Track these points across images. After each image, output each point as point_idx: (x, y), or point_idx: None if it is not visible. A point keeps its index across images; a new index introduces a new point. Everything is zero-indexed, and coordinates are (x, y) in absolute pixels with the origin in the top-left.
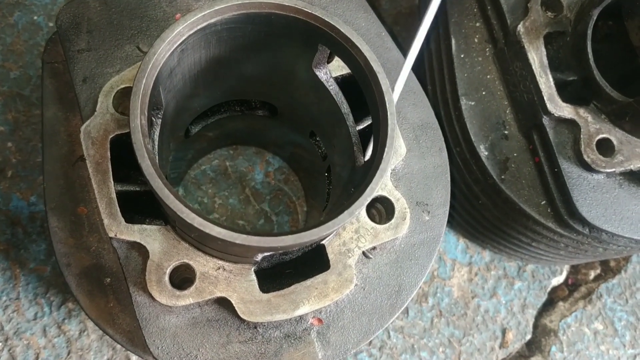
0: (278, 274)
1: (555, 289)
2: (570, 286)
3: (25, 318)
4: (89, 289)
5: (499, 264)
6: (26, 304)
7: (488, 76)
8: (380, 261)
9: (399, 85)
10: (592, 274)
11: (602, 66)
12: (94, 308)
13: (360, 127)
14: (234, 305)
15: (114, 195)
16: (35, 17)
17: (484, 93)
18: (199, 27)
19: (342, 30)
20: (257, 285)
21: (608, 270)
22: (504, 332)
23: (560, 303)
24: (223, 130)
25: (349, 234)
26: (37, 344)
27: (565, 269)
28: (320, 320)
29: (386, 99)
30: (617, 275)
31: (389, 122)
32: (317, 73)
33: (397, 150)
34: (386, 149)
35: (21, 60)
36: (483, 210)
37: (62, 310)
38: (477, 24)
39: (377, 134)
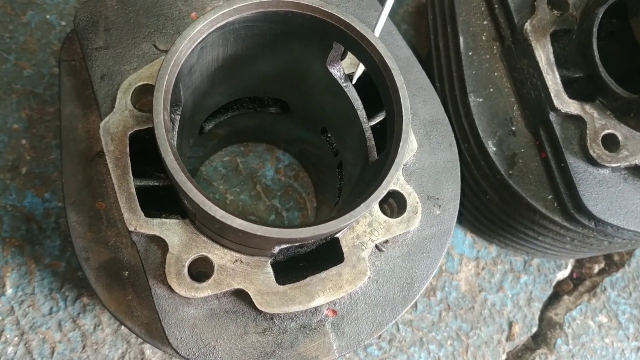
0: (293, 267)
1: (560, 283)
2: (575, 280)
3: (40, 313)
4: (108, 282)
5: (505, 258)
6: (41, 299)
7: (496, 73)
8: (392, 254)
9: (379, 26)
10: (597, 268)
11: (607, 63)
12: (113, 301)
13: (372, 123)
14: (251, 296)
15: (133, 190)
16: (48, 16)
17: (491, 90)
18: (218, 25)
19: (357, 28)
20: (273, 278)
21: (612, 264)
22: (510, 325)
23: (566, 297)
24: (234, 128)
25: (363, 227)
26: (53, 338)
27: (570, 263)
28: (334, 312)
29: (401, 94)
30: (621, 269)
31: (404, 117)
32: (331, 70)
33: (409, 145)
34: (401, 143)
35: (34, 58)
36: (491, 205)
37: (77, 305)
38: (485, 22)
39: (392, 129)
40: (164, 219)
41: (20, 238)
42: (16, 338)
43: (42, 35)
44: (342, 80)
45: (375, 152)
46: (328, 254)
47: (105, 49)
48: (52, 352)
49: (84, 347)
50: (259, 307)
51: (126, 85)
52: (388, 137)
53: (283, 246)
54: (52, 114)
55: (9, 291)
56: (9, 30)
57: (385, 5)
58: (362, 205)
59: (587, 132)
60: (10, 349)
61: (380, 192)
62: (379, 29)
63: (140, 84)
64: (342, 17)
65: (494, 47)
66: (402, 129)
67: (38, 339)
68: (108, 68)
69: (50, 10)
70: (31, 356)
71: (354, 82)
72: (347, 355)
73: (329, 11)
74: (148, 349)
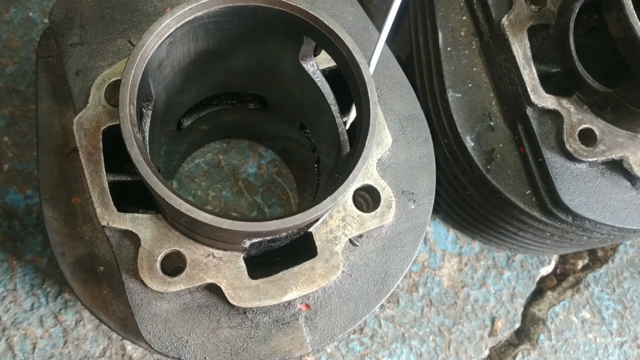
0: (268, 262)
1: (544, 279)
2: (559, 276)
3: (22, 309)
4: (83, 277)
5: (488, 254)
6: (23, 295)
7: (474, 69)
8: (367, 248)
9: (374, 58)
10: (580, 264)
11: (588, 59)
12: (88, 296)
13: (346, 118)
14: (224, 291)
15: (106, 185)
16: (31, 14)
17: (470, 85)
18: (186, 20)
19: (325, 22)
20: (246, 272)
21: (596, 260)
22: (493, 320)
23: (549, 292)
24: (216, 124)
25: (336, 222)
26: (34, 333)
27: (554, 259)
28: (308, 306)
29: (368, 88)
30: (605, 264)
31: (371, 111)
32: (304, 65)
33: (383, 140)
34: (368, 137)
35: (17, 56)
36: (471, 201)
37: (59, 301)
38: (464, 18)
39: (361, 122)
40: (136, 214)
41: (1, 234)
42: None
43: (25, 33)
44: (315, 75)
45: (348, 147)
46: (302, 249)
47: (81, 45)
48: (34, 348)
49: (65, 343)
50: (231, 301)
51: (100, 81)
52: (357, 132)
53: (254, 240)
54: (34, 111)
55: None
56: None
57: (383, 31)
58: (328, 199)
59: (564, 126)
60: None
61: (347, 186)
62: (374, 61)
63: (114, 79)
64: (310, 12)
65: (473, 43)
66: (369, 123)
67: (20, 335)
68: (83, 64)
69: (32, 7)
70: (12, 352)
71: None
72: (329, 351)
73: (297, 5)
74: (129, 345)
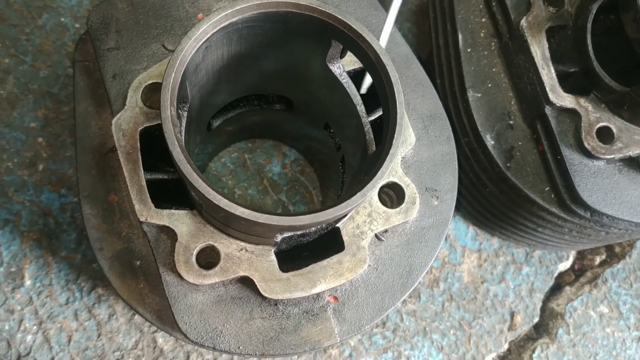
0: (297, 256)
1: (562, 274)
2: (577, 271)
3: (58, 303)
4: (121, 271)
5: (507, 250)
6: (58, 290)
7: (494, 69)
8: (392, 243)
9: (383, 38)
10: (598, 260)
11: (605, 58)
12: (126, 289)
13: (372, 117)
14: (256, 283)
15: (144, 183)
16: (62, 19)
17: (489, 85)
18: (222, 25)
19: (354, 26)
20: (277, 265)
21: (613, 255)
22: (512, 315)
23: (567, 287)
24: (242, 124)
25: (363, 217)
26: (70, 327)
27: (572, 255)
28: (336, 298)
29: (395, 89)
30: (622, 260)
31: (398, 110)
32: (331, 67)
33: (407, 139)
34: (395, 135)
35: (50, 60)
36: (491, 198)
37: (92, 296)
38: (483, 20)
39: (387, 122)
40: (173, 210)
41: (38, 232)
42: (35, 327)
43: (57, 38)
44: (342, 77)
45: (374, 145)
46: (330, 244)
47: (117, 50)
48: (69, 340)
49: (99, 336)
50: (263, 293)
51: (136, 84)
52: (384, 131)
53: (285, 235)
54: (67, 113)
55: (28, 282)
56: (26, 33)
57: (390, 12)
58: (358, 194)
59: (582, 125)
60: (29, 337)
61: (376, 182)
62: (385, 37)
63: (149, 82)
64: (339, 17)
65: (492, 44)
66: (396, 122)
67: (55, 328)
68: (119, 67)
69: (64, 13)
70: (49, 344)
71: (363, 91)
72: (352, 344)
73: (327, 11)
74: (160, 337)
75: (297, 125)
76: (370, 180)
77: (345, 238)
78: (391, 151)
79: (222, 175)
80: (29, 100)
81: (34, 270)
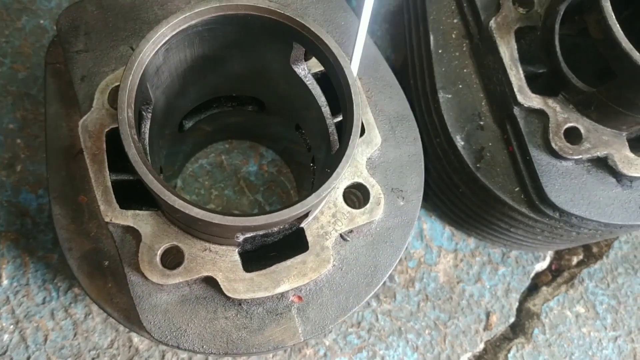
0: (263, 257)
1: (539, 275)
2: (554, 272)
3: (34, 302)
4: (89, 271)
5: (483, 250)
6: (35, 289)
7: (465, 70)
8: (357, 243)
9: (356, 55)
10: (575, 260)
11: (582, 59)
12: (94, 289)
13: (337, 119)
14: (220, 283)
15: (109, 184)
16: (42, 21)
17: (460, 86)
18: (180, 28)
19: (312, 29)
20: (240, 265)
21: (590, 256)
22: (488, 315)
23: (544, 288)
24: (217, 125)
25: (327, 218)
26: (46, 326)
27: (549, 255)
28: (300, 298)
29: (352, 91)
30: (599, 260)
31: (355, 112)
32: (295, 69)
33: (373, 140)
34: (352, 137)
35: (28, 61)
36: (464, 199)
37: (69, 295)
38: (455, 21)
39: (345, 124)
40: (137, 211)
41: (15, 232)
42: (12, 326)
43: (36, 40)
44: (307, 79)
45: (338, 146)
46: (295, 244)
47: (86, 52)
48: (45, 340)
49: (75, 335)
50: (226, 292)
51: (103, 86)
52: (342, 131)
53: (247, 235)
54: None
55: (5, 282)
56: (5, 35)
57: (359, 32)
58: (313, 195)
59: (550, 125)
60: (6, 336)
61: (331, 183)
62: (356, 61)
63: (116, 84)
64: (297, 19)
65: (464, 45)
66: (353, 123)
67: (32, 327)
68: (88, 70)
69: (43, 15)
70: (25, 343)
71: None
72: (327, 344)
73: (285, 13)
74: (135, 337)
75: (272, 126)
76: (326, 181)
77: (309, 238)
78: (347, 152)
79: (199, 176)
80: (7, 101)
81: (11, 270)
